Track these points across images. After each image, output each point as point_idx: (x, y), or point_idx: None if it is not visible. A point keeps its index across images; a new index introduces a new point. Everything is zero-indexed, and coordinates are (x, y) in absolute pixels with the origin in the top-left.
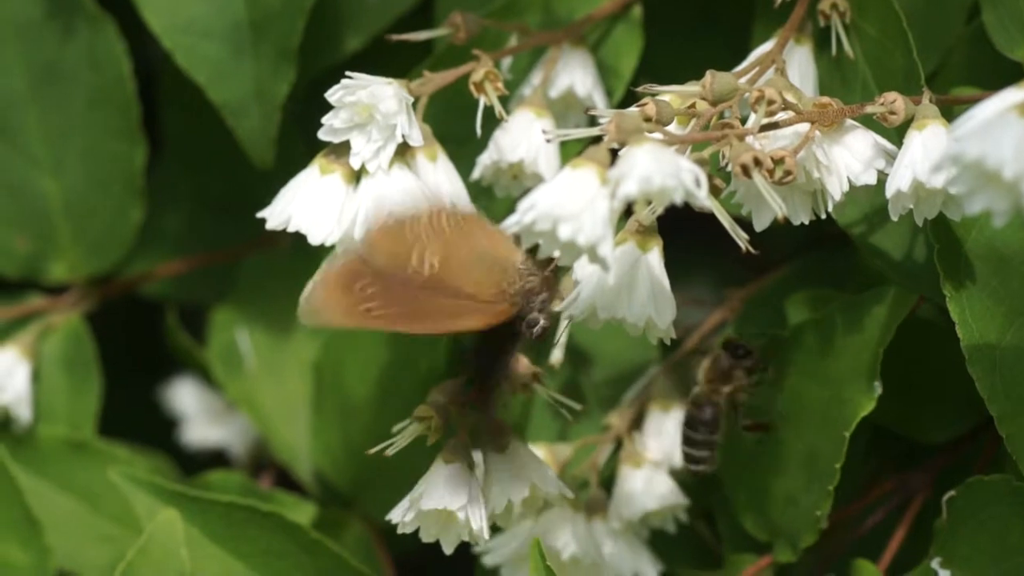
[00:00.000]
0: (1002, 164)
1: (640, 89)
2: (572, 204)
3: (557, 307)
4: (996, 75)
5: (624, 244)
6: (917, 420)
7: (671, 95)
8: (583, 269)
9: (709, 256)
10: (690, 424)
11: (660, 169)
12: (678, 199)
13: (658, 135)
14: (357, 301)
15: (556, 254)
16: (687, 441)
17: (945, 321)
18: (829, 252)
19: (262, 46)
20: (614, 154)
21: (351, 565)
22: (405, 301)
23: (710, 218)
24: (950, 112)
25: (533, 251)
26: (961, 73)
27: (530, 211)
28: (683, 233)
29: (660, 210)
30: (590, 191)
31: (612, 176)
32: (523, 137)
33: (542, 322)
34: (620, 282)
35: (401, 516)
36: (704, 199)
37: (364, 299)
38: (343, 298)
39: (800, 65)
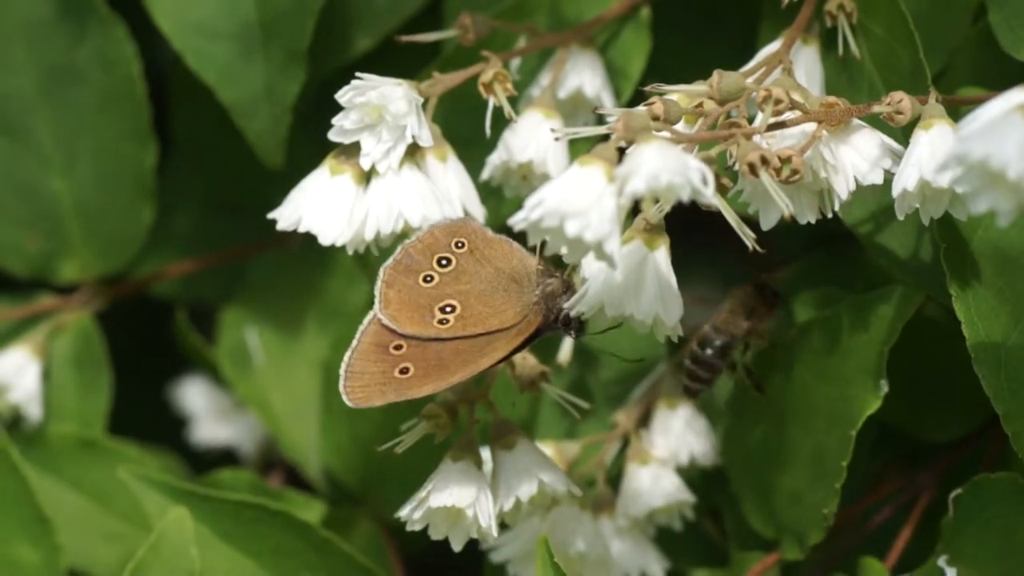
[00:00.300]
0: (1006, 164)
1: (648, 88)
2: (579, 201)
3: (566, 304)
4: (1002, 75)
5: (631, 242)
6: (923, 419)
7: (679, 95)
8: (591, 266)
9: (715, 255)
10: (701, 344)
11: (667, 167)
12: (685, 197)
13: (665, 134)
14: (393, 365)
15: (563, 251)
16: (694, 359)
17: (951, 320)
18: (835, 251)
19: (272, 47)
20: (622, 153)
21: (361, 563)
22: (437, 354)
23: (716, 217)
24: (956, 112)
25: (543, 250)
26: (967, 74)
27: (537, 208)
28: (689, 232)
29: (667, 208)
30: (597, 188)
31: (619, 173)
32: (532, 137)
33: (577, 326)
34: (627, 280)
35: (410, 514)
36: (711, 197)
37: (399, 360)
38: (379, 365)
39: (807, 65)
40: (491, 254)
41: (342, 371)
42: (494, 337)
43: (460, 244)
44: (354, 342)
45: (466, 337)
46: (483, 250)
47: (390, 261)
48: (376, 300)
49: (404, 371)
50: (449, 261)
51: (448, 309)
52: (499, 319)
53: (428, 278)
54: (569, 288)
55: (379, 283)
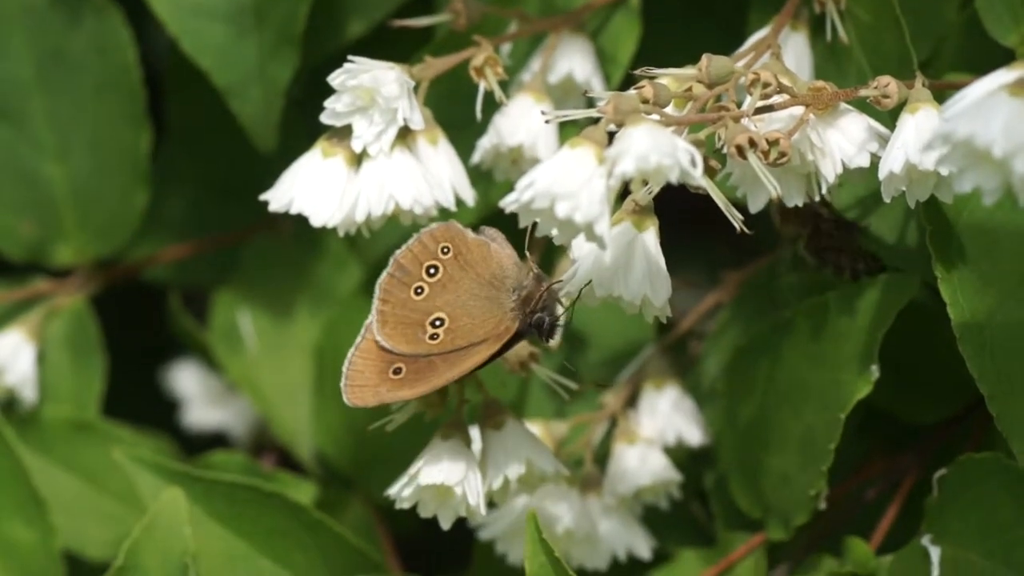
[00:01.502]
0: (992, 142)
1: (638, 72)
2: (570, 182)
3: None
4: (989, 62)
5: (620, 224)
6: (909, 401)
7: (668, 78)
8: (580, 248)
9: (705, 240)
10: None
11: (656, 148)
12: (674, 178)
13: (655, 116)
14: (389, 363)
15: (554, 232)
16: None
17: (937, 303)
18: None
19: (265, 31)
20: (612, 136)
21: (352, 544)
22: (428, 366)
23: (707, 203)
24: (943, 97)
25: (533, 234)
26: (955, 60)
27: (528, 189)
28: (680, 217)
29: (656, 190)
30: (587, 170)
31: (609, 155)
32: (522, 122)
33: (548, 321)
34: (616, 261)
35: (399, 491)
36: (700, 178)
37: (394, 360)
38: (377, 363)
39: (796, 51)
40: (472, 258)
41: (344, 368)
42: (478, 345)
43: (446, 250)
44: (358, 339)
45: (454, 351)
46: (465, 255)
47: (384, 275)
48: (374, 319)
49: (397, 371)
50: (437, 269)
51: (438, 323)
52: (483, 329)
53: (419, 290)
54: (539, 286)
55: (375, 300)
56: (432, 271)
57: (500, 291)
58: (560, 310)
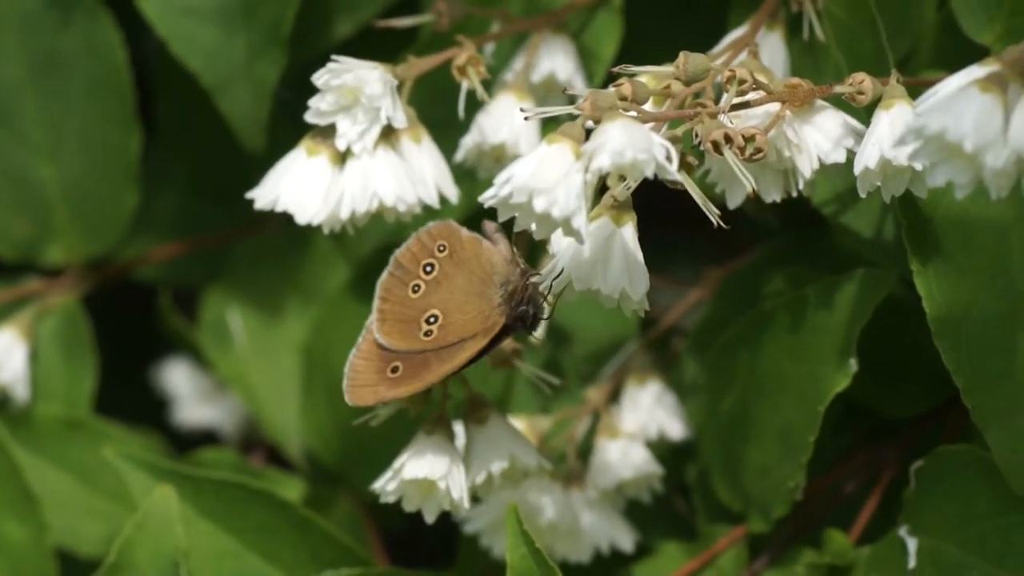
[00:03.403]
0: (963, 137)
1: (616, 69)
2: (547, 177)
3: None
4: (965, 60)
5: (599, 219)
6: (888, 395)
7: (647, 76)
8: (559, 243)
9: (687, 237)
10: None
11: (632, 143)
12: (650, 173)
13: (632, 113)
14: (387, 362)
15: (532, 227)
16: None
17: (914, 298)
18: (805, 233)
19: (253, 31)
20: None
21: (340, 540)
22: (423, 363)
23: (688, 201)
24: (919, 95)
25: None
26: (931, 59)
27: (507, 184)
28: (661, 215)
29: (634, 185)
30: (565, 165)
31: (586, 150)
32: (505, 120)
33: (532, 314)
34: (595, 255)
35: (384, 485)
36: (675, 173)
37: (392, 358)
38: (376, 363)
39: (772, 51)
40: (465, 256)
41: (345, 370)
42: (469, 340)
43: (442, 247)
44: (359, 340)
45: (447, 347)
46: (459, 252)
47: (384, 274)
48: (374, 317)
49: (395, 370)
50: (433, 267)
51: (432, 320)
52: (473, 325)
53: (416, 287)
54: (527, 288)
55: (376, 299)
56: (429, 268)
57: (489, 287)
58: (543, 303)
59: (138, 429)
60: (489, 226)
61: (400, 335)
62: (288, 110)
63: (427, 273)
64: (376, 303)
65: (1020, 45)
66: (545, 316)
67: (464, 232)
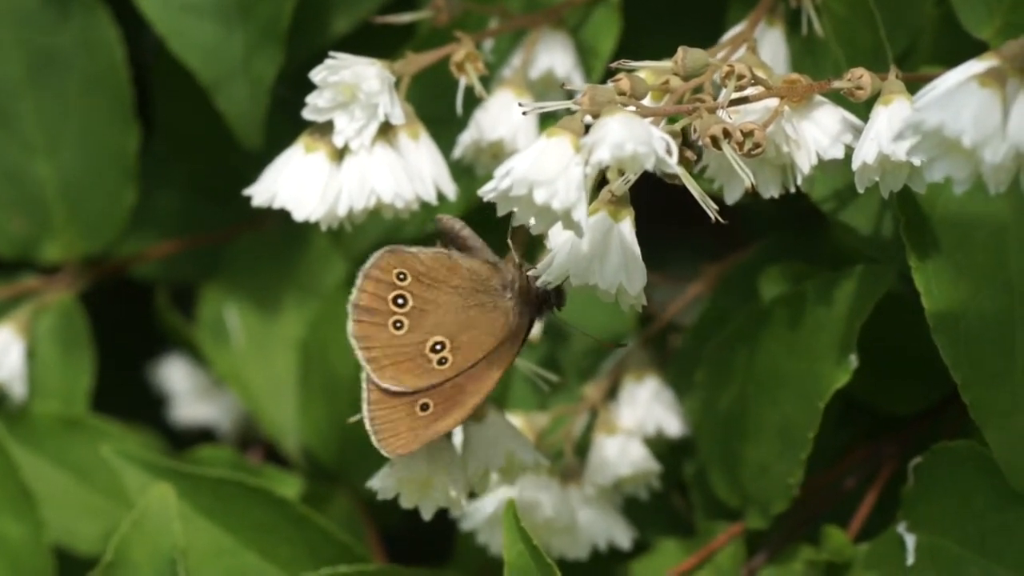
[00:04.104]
0: (961, 132)
1: (615, 65)
2: (547, 170)
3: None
4: (964, 56)
5: (597, 214)
6: (887, 392)
7: (646, 72)
8: (557, 238)
9: (686, 234)
10: None
11: (632, 136)
12: (649, 166)
13: (631, 108)
14: (412, 404)
15: (532, 221)
16: None
17: (913, 294)
18: (803, 229)
19: (251, 27)
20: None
21: (337, 538)
22: (456, 390)
23: (687, 198)
24: (918, 90)
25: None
26: (930, 54)
27: (506, 177)
28: (660, 211)
29: (632, 179)
30: (564, 158)
31: (585, 143)
32: (503, 116)
33: (554, 292)
34: (593, 250)
35: (381, 483)
36: (674, 167)
37: (417, 398)
38: (399, 409)
39: (772, 46)
40: (437, 275)
41: (368, 427)
42: (496, 351)
43: (402, 276)
44: (363, 395)
45: (473, 366)
46: (426, 273)
47: (350, 324)
48: (367, 369)
49: (424, 407)
50: (405, 298)
51: (438, 347)
52: (492, 335)
53: (398, 324)
54: (523, 276)
55: (358, 352)
56: (400, 301)
57: (490, 294)
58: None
59: (135, 426)
60: (453, 224)
61: (410, 374)
62: (286, 107)
63: (400, 306)
64: (360, 355)
65: (1019, 40)
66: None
67: (421, 252)
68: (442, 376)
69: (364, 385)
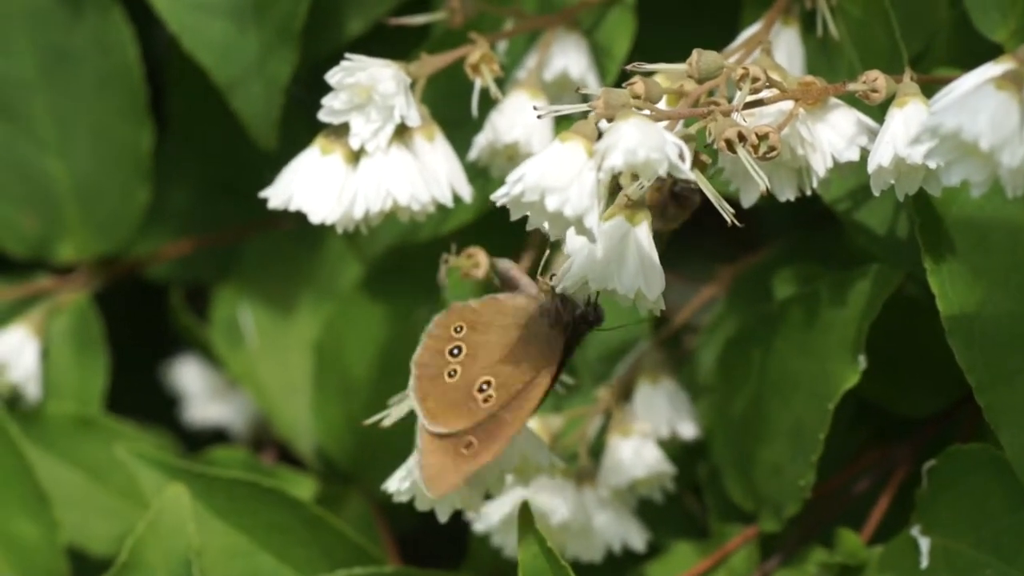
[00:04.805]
0: (979, 135)
1: (629, 67)
2: (560, 176)
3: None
4: (979, 58)
5: (614, 218)
6: (901, 395)
7: (661, 74)
8: (574, 242)
9: (700, 235)
10: None
11: (645, 142)
12: (663, 172)
13: (646, 112)
14: (456, 445)
15: (545, 226)
16: None
17: (928, 297)
18: (817, 230)
19: (265, 27)
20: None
21: (352, 539)
22: (496, 425)
23: (703, 198)
24: (933, 92)
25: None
26: (945, 56)
27: (518, 183)
28: None
29: (647, 184)
30: (577, 163)
31: (598, 149)
32: (518, 118)
33: (592, 310)
34: (610, 255)
35: (397, 485)
36: (688, 172)
37: (460, 439)
38: (446, 454)
39: (788, 47)
40: (487, 320)
41: (418, 474)
42: (535, 379)
43: (459, 328)
44: (417, 443)
45: (514, 398)
46: (478, 321)
47: (412, 381)
48: (422, 419)
49: (468, 446)
50: (460, 348)
51: (485, 387)
52: (532, 365)
53: (451, 373)
54: (557, 295)
55: (416, 403)
56: (455, 352)
57: (530, 326)
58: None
59: (149, 427)
60: (503, 264)
61: (456, 417)
62: (301, 107)
63: (455, 356)
64: (418, 406)
65: None
66: (595, 301)
67: (473, 303)
68: (486, 412)
69: (417, 437)
